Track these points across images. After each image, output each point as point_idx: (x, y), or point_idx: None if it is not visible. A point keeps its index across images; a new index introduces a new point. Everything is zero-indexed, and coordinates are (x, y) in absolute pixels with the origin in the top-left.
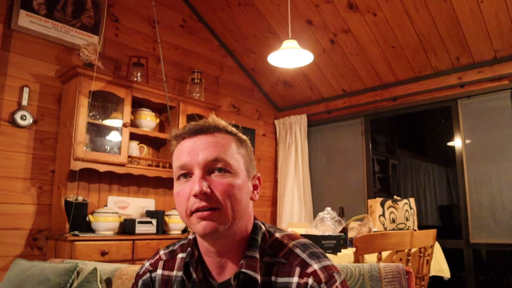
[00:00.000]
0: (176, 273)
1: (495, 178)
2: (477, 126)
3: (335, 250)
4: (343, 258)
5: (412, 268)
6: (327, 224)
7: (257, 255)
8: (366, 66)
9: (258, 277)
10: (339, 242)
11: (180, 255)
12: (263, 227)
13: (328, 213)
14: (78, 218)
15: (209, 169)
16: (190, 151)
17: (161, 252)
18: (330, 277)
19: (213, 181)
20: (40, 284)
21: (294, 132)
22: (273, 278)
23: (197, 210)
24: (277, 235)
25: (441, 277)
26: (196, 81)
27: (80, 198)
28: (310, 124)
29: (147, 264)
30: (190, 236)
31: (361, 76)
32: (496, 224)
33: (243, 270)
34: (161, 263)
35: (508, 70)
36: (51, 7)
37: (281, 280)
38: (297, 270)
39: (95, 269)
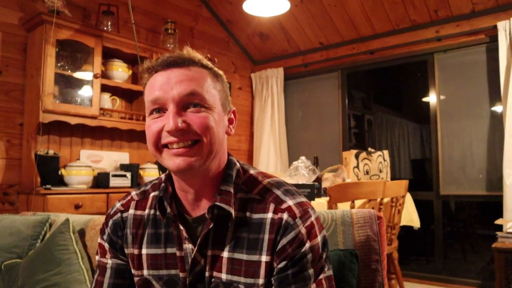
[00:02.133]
0: (149, 211)
1: (466, 132)
2: (452, 80)
3: (309, 198)
4: (317, 207)
5: (384, 216)
6: (301, 173)
7: (231, 190)
8: (344, 18)
9: (232, 211)
10: (313, 191)
11: (152, 194)
12: (237, 163)
13: (302, 162)
14: (50, 172)
15: (184, 104)
16: (163, 84)
17: (133, 193)
18: (304, 212)
19: (188, 116)
20: (11, 236)
21: (270, 86)
22: (247, 213)
23: (171, 146)
24: (252, 171)
25: (411, 227)
26: (169, 31)
27: (51, 152)
28: (287, 77)
29: (118, 204)
30: (162, 175)
31: (339, 28)
32: (465, 177)
33: (217, 203)
34: (133, 203)
35: (486, 24)
36: None
37: (255, 216)
38: (272, 206)
39: (67, 220)
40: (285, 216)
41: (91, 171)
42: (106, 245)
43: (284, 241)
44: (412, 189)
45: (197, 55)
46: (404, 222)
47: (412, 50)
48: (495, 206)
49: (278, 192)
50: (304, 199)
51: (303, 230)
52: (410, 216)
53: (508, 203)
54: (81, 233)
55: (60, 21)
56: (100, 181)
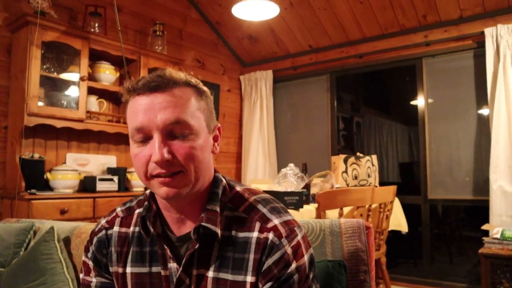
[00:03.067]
0: (133, 228)
1: (453, 136)
2: (440, 85)
3: (297, 206)
4: (305, 214)
5: (372, 223)
6: (289, 180)
7: (218, 209)
8: (334, 22)
9: (218, 231)
10: (302, 198)
11: (137, 211)
12: (223, 180)
13: (291, 169)
14: (35, 176)
15: (168, 132)
16: (146, 111)
17: (118, 209)
18: (291, 232)
19: (174, 145)
20: None
21: (259, 88)
22: (233, 232)
23: (158, 175)
24: (238, 188)
25: (399, 231)
26: (158, 33)
27: (36, 155)
28: (276, 80)
29: (103, 221)
30: (147, 191)
31: (328, 32)
32: (452, 181)
33: (203, 223)
34: (118, 220)
35: (473, 29)
36: None
37: (241, 234)
38: (257, 225)
39: (52, 228)
40: (270, 235)
41: (78, 175)
42: (91, 263)
43: (269, 261)
44: (400, 193)
45: (180, 74)
46: (392, 226)
47: (400, 55)
48: (482, 210)
49: (264, 210)
50: (290, 217)
51: (289, 250)
52: (398, 221)
53: (494, 208)
54: (66, 241)
55: (46, 22)
56: (87, 185)
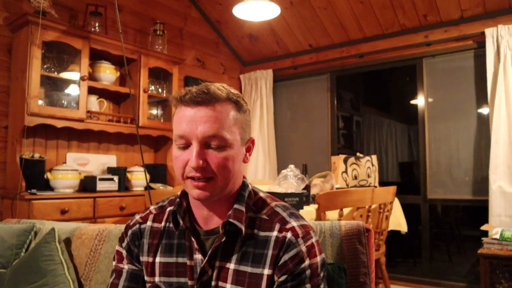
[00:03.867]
0: (165, 224)
1: (453, 136)
2: (440, 85)
3: (298, 207)
4: (306, 215)
5: (372, 223)
6: (290, 181)
7: (243, 209)
8: (334, 21)
9: (243, 228)
10: (302, 199)
11: (169, 209)
12: (249, 186)
13: (291, 171)
14: (35, 176)
15: (206, 142)
16: (190, 122)
17: (152, 207)
18: (306, 233)
19: (209, 154)
20: None
21: (259, 87)
22: (255, 231)
23: (193, 177)
24: (261, 194)
25: (398, 231)
26: (158, 32)
27: (36, 155)
28: (276, 79)
29: (137, 217)
30: (178, 192)
31: (329, 31)
32: (452, 181)
33: (230, 220)
34: (151, 216)
35: (474, 30)
36: None
37: (262, 233)
38: (277, 225)
39: (53, 229)
40: (288, 235)
41: (78, 175)
42: (124, 252)
43: (286, 257)
44: (400, 193)
45: (223, 91)
46: (391, 226)
47: (401, 54)
48: (481, 210)
49: (284, 214)
50: (307, 223)
51: (304, 249)
52: (397, 221)
53: (493, 208)
54: (67, 242)
55: (46, 22)
56: (87, 185)
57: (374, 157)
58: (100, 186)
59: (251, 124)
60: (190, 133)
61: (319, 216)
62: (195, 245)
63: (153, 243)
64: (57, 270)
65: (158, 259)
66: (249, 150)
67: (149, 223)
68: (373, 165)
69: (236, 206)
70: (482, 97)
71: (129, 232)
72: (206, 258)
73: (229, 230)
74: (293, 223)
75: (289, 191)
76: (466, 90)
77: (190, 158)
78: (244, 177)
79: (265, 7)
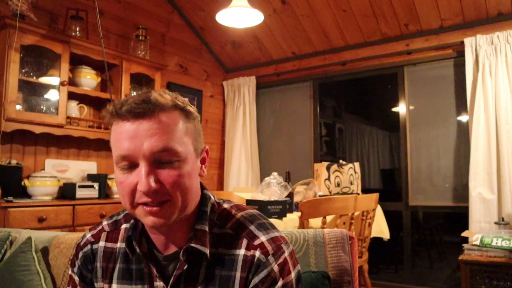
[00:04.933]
0: (120, 244)
1: (434, 143)
2: (421, 93)
3: (281, 215)
4: (289, 223)
5: (355, 230)
6: (273, 189)
7: (207, 228)
8: (317, 29)
9: (207, 251)
10: (285, 207)
11: (124, 226)
12: (212, 197)
13: (274, 178)
14: (12, 183)
15: (155, 160)
16: (132, 138)
17: (104, 223)
18: (278, 249)
19: (161, 173)
20: None
21: (242, 94)
22: (220, 250)
23: (145, 203)
24: (226, 205)
25: (381, 238)
26: (140, 38)
27: (13, 162)
28: (259, 86)
29: (88, 235)
30: None
31: (312, 39)
32: (433, 187)
33: (192, 244)
34: (104, 235)
35: (453, 39)
36: None
37: (228, 252)
38: (244, 242)
39: (29, 238)
40: (257, 253)
41: (57, 182)
42: (76, 278)
43: (256, 279)
44: (382, 200)
45: (167, 98)
46: (374, 233)
47: (383, 62)
48: (462, 216)
49: (252, 227)
50: (278, 234)
51: (276, 268)
52: (380, 228)
53: (473, 215)
54: (45, 251)
55: (25, 26)
56: (66, 192)
57: (356, 164)
58: (80, 193)
59: (201, 132)
60: (134, 152)
61: (302, 224)
62: (155, 272)
63: (108, 267)
64: (34, 280)
65: (115, 286)
66: (204, 161)
67: (101, 243)
68: (355, 172)
69: (197, 226)
70: (461, 105)
71: (80, 254)
72: (169, 286)
73: (192, 253)
74: (262, 237)
75: (272, 199)
76: (446, 98)
77: (139, 181)
78: (204, 188)
79: (249, 14)
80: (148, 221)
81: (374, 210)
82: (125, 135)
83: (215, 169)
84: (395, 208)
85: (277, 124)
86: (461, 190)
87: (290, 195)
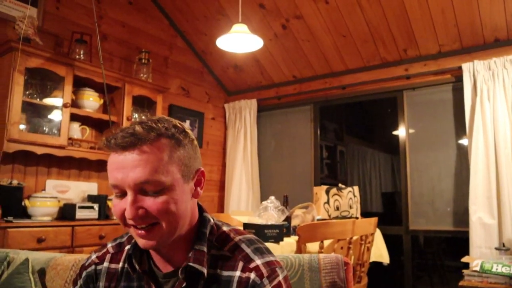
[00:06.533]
0: (123, 264)
1: (434, 167)
2: (420, 116)
3: (278, 239)
4: (286, 247)
5: (353, 254)
6: (270, 213)
7: (205, 249)
8: (317, 53)
9: (205, 271)
10: (282, 231)
11: (127, 247)
12: (211, 220)
13: (271, 202)
14: (12, 203)
15: (140, 189)
16: (119, 170)
17: (109, 245)
18: (272, 272)
19: (146, 201)
20: None
21: (243, 117)
22: (218, 271)
23: (134, 226)
24: (225, 228)
25: (381, 263)
26: (143, 61)
27: (14, 182)
28: (260, 109)
29: (93, 256)
30: None
31: (312, 63)
32: (433, 212)
33: (190, 264)
34: (108, 256)
35: (452, 64)
36: None
37: (225, 273)
38: (240, 264)
39: (26, 260)
40: (252, 275)
41: (57, 202)
42: None
43: None
44: (382, 223)
45: (152, 127)
46: (373, 258)
47: (382, 87)
48: (463, 241)
49: (248, 250)
50: (273, 258)
51: None
52: (379, 252)
53: (474, 240)
54: (41, 272)
55: (30, 49)
56: (66, 212)
57: (356, 188)
58: (80, 214)
59: (199, 155)
60: (122, 182)
61: (300, 248)
62: None
63: (110, 287)
64: None
65: None
66: (199, 183)
67: (105, 264)
68: (355, 196)
69: (196, 246)
70: (461, 128)
71: (84, 273)
72: None
73: (190, 273)
74: (258, 261)
75: (269, 223)
76: (445, 122)
77: (126, 208)
78: (204, 210)
79: (249, 40)
80: (140, 242)
81: (373, 234)
82: (115, 166)
83: (215, 191)
84: (395, 232)
85: (277, 146)
86: (462, 214)
87: (288, 219)
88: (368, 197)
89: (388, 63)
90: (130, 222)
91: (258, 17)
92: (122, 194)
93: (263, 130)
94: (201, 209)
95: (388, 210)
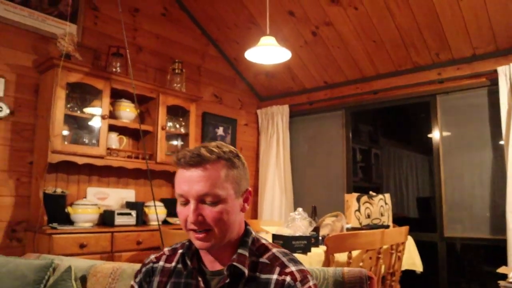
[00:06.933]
0: (175, 264)
1: (470, 172)
2: (455, 121)
3: (305, 250)
4: (314, 257)
5: (384, 264)
6: (297, 224)
7: (247, 254)
8: (348, 59)
9: (246, 271)
10: (310, 242)
11: (180, 251)
12: (253, 233)
13: (299, 214)
14: (57, 210)
15: (201, 199)
16: (186, 182)
17: (166, 249)
18: (304, 278)
19: (205, 210)
20: (16, 280)
21: (276, 122)
22: (257, 274)
23: (193, 229)
24: (263, 241)
25: (414, 271)
26: (177, 71)
27: (58, 190)
28: (292, 114)
29: (152, 256)
30: None
31: (343, 68)
32: (470, 218)
33: (234, 263)
34: (164, 257)
35: (486, 67)
36: None
37: (264, 276)
38: (277, 269)
39: (69, 267)
40: (287, 278)
41: (97, 209)
42: (136, 286)
43: None
44: (416, 230)
45: (213, 152)
46: (406, 266)
47: (414, 91)
48: (501, 249)
49: (284, 259)
50: (304, 268)
51: None
52: (412, 260)
53: (511, 249)
54: (83, 279)
55: (71, 65)
56: (106, 219)
57: (387, 195)
58: (118, 220)
59: (248, 177)
60: (187, 193)
61: (328, 258)
62: (201, 284)
63: (162, 281)
64: None
65: None
66: (246, 200)
67: (161, 263)
68: (386, 203)
69: (240, 251)
70: (497, 132)
71: (143, 269)
72: None
73: (233, 272)
74: (292, 268)
75: (297, 234)
76: (481, 126)
77: (189, 214)
78: (247, 224)
79: (277, 52)
80: (196, 243)
81: (403, 243)
82: (182, 180)
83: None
84: (430, 239)
85: (310, 152)
86: (499, 221)
87: (316, 229)
88: (405, 201)
89: (420, 67)
90: (191, 226)
91: (288, 25)
92: (186, 203)
93: (295, 135)
94: (245, 223)
95: (424, 215)
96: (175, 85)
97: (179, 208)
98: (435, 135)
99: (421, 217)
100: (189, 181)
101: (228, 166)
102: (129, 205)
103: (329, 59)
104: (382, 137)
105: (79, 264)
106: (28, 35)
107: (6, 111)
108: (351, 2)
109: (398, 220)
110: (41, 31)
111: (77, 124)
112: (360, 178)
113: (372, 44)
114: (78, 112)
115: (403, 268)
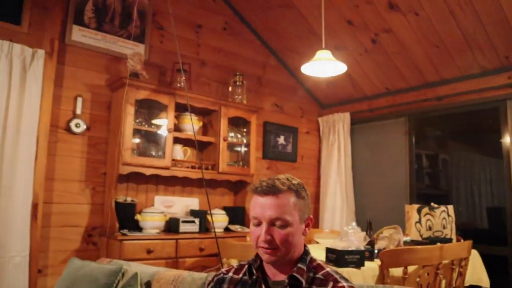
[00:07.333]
0: (242, 275)
1: None
2: None
3: (359, 264)
4: (367, 272)
5: (444, 279)
6: (351, 239)
7: (305, 268)
8: (409, 65)
9: (303, 282)
10: (363, 256)
11: (246, 266)
12: (310, 253)
13: (352, 229)
14: (127, 217)
15: (272, 222)
16: (260, 207)
17: (235, 264)
18: None
19: (274, 231)
20: (91, 283)
21: (337, 130)
22: (313, 287)
23: (263, 247)
24: (319, 261)
25: (480, 286)
26: (238, 83)
27: (129, 199)
28: (353, 122)
29: (223, 269)
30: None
31: (405, 75)
32: None
33: (294, 274)
34: (233, 270)
35: None
36: (100, 20)
37: None
38: (331, 283)
39: (136, 274)
40: None
41: (164, 217)
42: None
43: None
44: (485, 242)
45: (285, 183)
46: (471, 281)
47: (482, 97)
48: None
49: (336, 276)
50: (354, 285)
51: None
52: (477, 275)
53: None
54: (148, 285)
55: (138, 83)
56: (171, 226)
57: (450, 207)
58: (183, 227)
59: (309, 206)
60: (261, 216)
61: (382, 273)
62: None
63: None
64: None
65: None
66: (308, 226)
67: (230, 274)
68: (449, 215)
69: (299, 265)
70: None
71: (215, 279)
72: None
73: (293, 283)
74: (344, 283)
75: (350, 249)
76: None
77: (260, 234)
78: (306, 246)
79: (332, 65)
80: (264, 257)
81: (466, 258)
82: (257, 205)
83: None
84: (499, 253)
85: (372, 160)
86: None
87: (371, 243)
88: (477, 210)
89: (488, 71)
90: (262, 244)
91: (347, 33)
92: (259, 224)
93: (356, 142)
94: (304, 245)
95: (494, 227)
96: (236, 96)
97: (252, 228)
98: (506, 141)
99: (491, 229)
100: (263, 206)
101: (296, 196)
102: (193, 213)
103: (390, 66)
104: (450, 141)
105: (145, 270)
106: (101, 56)
107: (83, 127)
108: (411, 8)
109: (466, 232)
110: (113, 52)
111: (144, 137)
112: (426, 185)
113: (434, 49)
114: (146, 126)
115: (467, 284)
